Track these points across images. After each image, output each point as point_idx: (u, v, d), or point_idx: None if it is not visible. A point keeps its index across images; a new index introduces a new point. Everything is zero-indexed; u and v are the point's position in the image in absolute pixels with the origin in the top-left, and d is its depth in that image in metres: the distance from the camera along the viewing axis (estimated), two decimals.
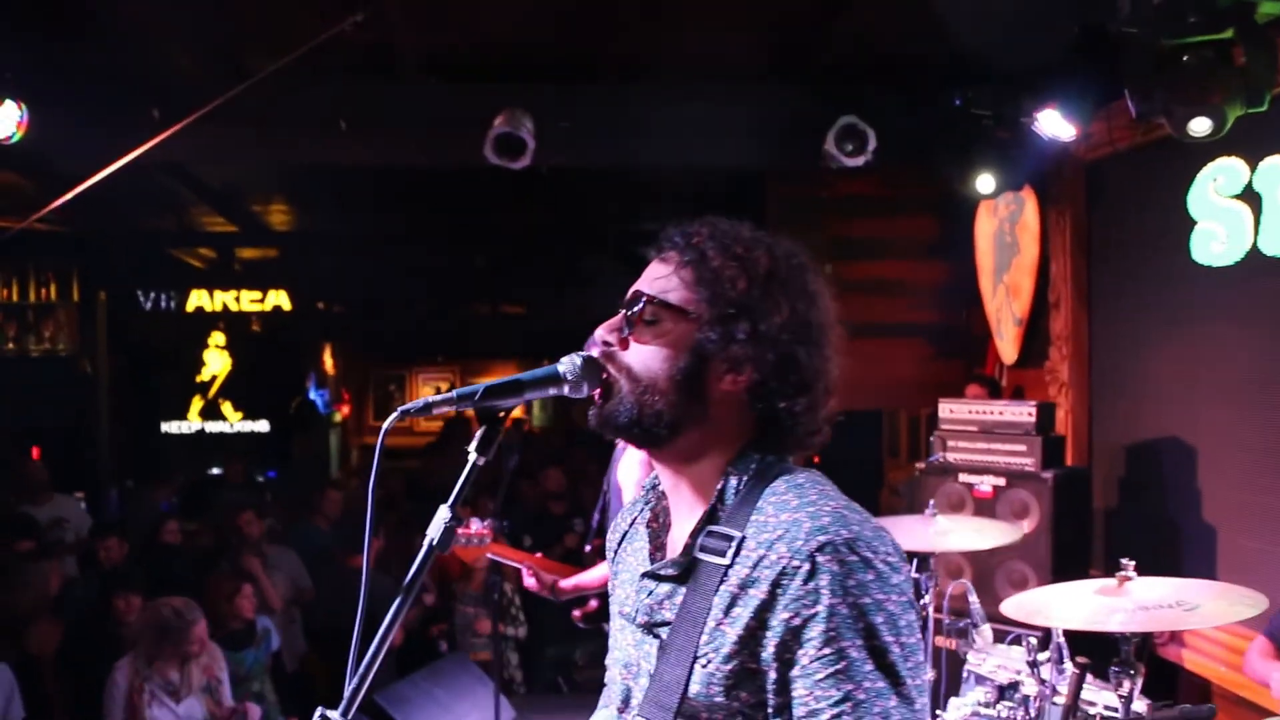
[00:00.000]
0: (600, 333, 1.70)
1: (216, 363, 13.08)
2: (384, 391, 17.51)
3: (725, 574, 1.53)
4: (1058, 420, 6.20)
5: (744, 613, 1.49)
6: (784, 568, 1.47)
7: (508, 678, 6.94)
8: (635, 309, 1.67)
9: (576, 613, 4.61)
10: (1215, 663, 4.89)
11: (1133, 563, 3.37)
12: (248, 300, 12.83)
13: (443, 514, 1.52)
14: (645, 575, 1.68)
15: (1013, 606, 3.35)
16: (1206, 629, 4.71)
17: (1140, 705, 3.23)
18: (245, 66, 5.66)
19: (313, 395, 14.52)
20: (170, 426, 12.77)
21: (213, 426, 12.96)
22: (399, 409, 1.53)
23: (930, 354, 7.68)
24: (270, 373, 13.38)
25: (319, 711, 1.40)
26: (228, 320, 12.91)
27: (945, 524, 4.39)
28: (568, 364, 1.66)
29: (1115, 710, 3.19)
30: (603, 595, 4.50)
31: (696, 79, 6.30)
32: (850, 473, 5.58)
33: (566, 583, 4.46)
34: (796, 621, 1.45)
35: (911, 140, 6.24)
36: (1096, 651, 3.36)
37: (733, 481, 1.62)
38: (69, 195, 4.94)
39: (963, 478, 5.42)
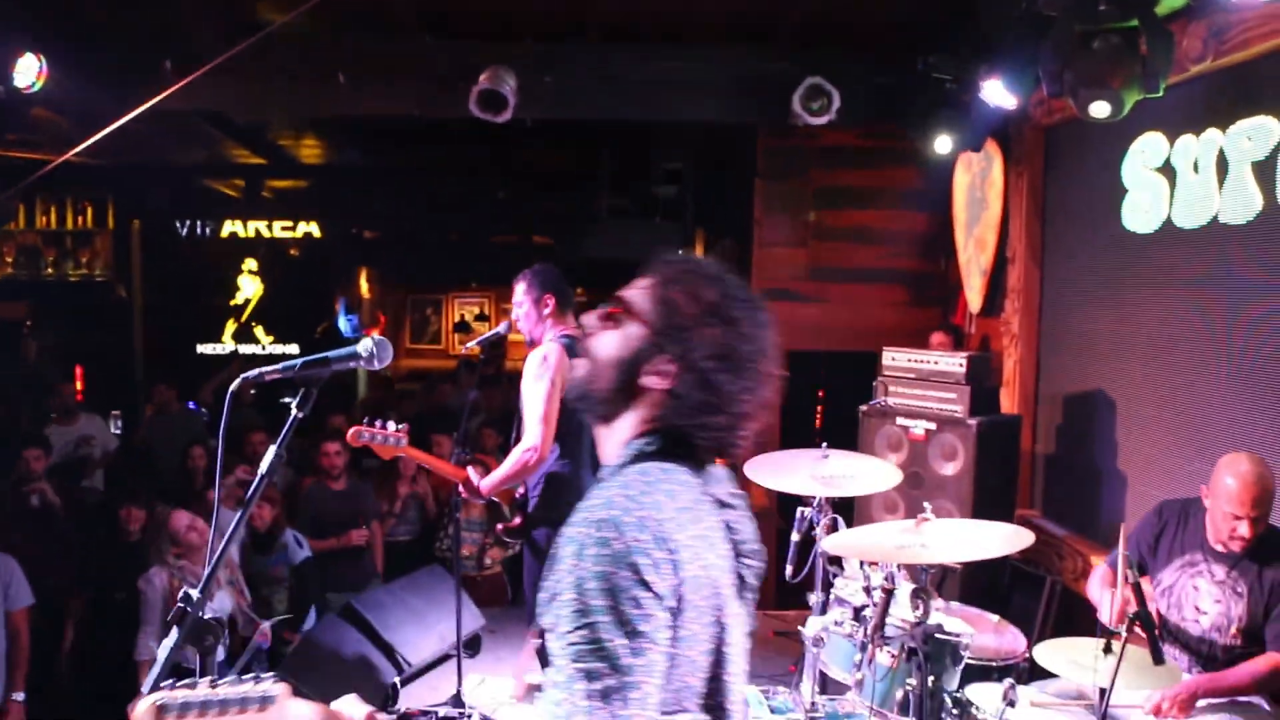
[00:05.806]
0: None
1: (250, 287, 13.60)
2: (421, 315, 17.69)
3: None
4: (1007, 369, 6.57)
5: None
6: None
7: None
8: None
9: (500, 526, 4.99)
10: None
11: (930, 507, 3.83)
12: (280, 229, 13.33)
13: (271, 451, 1.98)
14: None
15: (833, 543, 3.85)
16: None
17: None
18: (254, 21, 6.08)
19: (341, 320, 14.96)
20: (205, 348, 13.36)
21: (246, 349, 13.53)
22: (241, 375, 1.97)
23: (909, 300, 7.93)
24: (302, 297, 13.83)
25: (183, 590, 1.87)
26: (263, 246, 13.39)
27: (837, 465, 4.49)
28: (365, 346, 2.07)
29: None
30: (524, 508, 4.89)
31: (675, 40, 6.66)
32: (850, 406, 6.17)
33: (485, 482, 4.72)
34: None
35: (876, 101, 6.58)
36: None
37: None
38: (89, 141, 5.39)
39: (900, 420, 5.84)
